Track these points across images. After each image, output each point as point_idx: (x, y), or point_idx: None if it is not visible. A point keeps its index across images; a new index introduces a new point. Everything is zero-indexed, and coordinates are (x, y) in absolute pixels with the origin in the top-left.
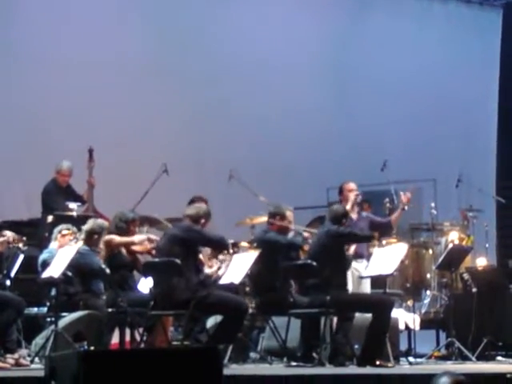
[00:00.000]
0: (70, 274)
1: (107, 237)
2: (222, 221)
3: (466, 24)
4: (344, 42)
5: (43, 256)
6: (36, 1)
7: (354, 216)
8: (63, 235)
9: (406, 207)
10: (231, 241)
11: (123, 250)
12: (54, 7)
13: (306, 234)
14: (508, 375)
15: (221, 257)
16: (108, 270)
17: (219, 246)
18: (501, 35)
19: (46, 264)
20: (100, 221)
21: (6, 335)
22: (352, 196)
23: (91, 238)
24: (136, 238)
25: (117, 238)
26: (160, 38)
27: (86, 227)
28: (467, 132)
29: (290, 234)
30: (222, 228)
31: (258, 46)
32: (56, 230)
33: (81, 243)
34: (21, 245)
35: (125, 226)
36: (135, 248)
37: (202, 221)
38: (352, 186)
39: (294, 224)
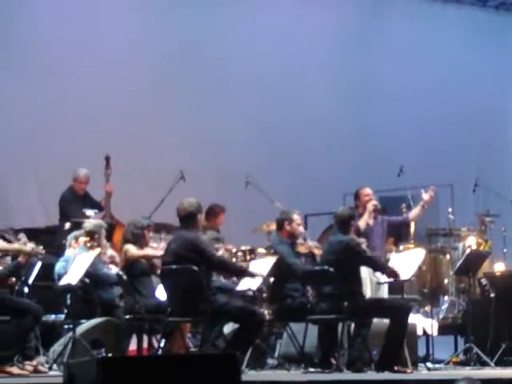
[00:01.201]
0: (87, 280)
1: (125, 247)
2: (238, 227)
3: (481, 28)
4: (359, 46)
5: (59, 265)
6: (49, 4)
7: (370, 222)
8: (78, 242)
9: (426, 206)
10: (248, 247)
11: None
12: (67, 11)
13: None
14: None
15: (215, 245)
16: (125, 277)
17: (231, 272)
18: None
19: (62, 272)
20: (94, 221)
21: (24, 342)
22: (370, 207)
23: (93, 240)
24: (153, 251)
25: (133, 250)
26: (175, 45)
27: (84, 231)
28: (484, 136)
29: (301, 238)
30: (238, 234)
31: (272, 52)
32: (70, 236)
33: (98, 250)
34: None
35: (140, 233)
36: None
37: (199, 216)
38: (368, 191)
39: (302, 225)
